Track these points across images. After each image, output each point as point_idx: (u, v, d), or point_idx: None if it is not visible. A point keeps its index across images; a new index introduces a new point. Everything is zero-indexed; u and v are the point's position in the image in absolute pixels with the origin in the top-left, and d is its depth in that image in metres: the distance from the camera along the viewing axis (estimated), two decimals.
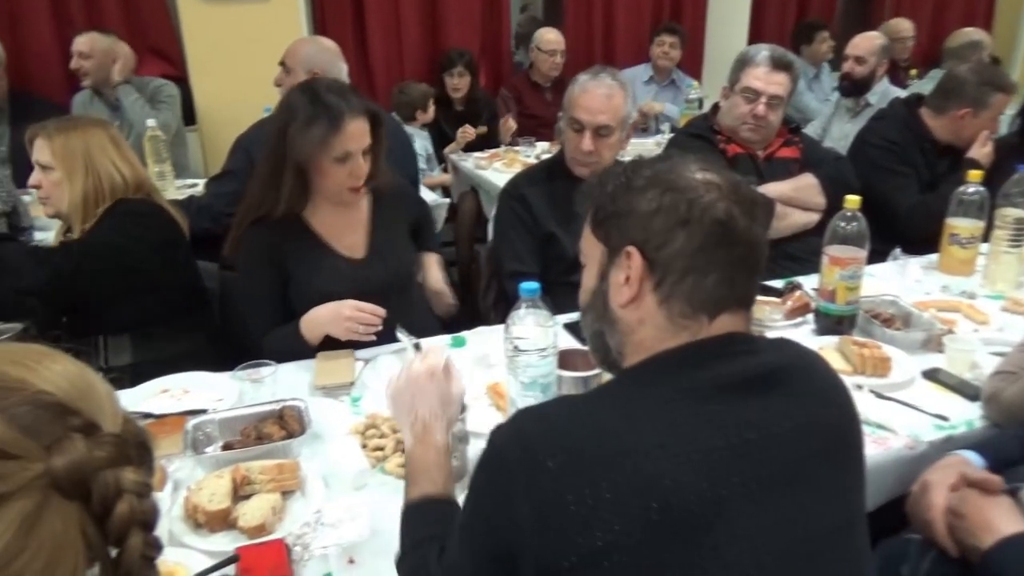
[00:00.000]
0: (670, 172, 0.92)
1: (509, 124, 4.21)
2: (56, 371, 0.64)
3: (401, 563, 1.04)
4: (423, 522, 1.06)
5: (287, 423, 1.43)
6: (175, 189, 3.07)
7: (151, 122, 3.06)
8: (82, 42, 3.34)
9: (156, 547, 0.65)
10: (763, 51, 2.39)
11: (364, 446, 1.40)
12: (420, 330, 1.85)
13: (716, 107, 2.57)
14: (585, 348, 1.46)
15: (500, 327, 1.89)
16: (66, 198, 1.89)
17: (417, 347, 1.73)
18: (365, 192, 1.89)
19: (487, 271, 2.45)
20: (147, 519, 0.64)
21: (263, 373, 1.58)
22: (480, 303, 2.51)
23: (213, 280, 2.29)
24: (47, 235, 2.42)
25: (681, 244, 0.88)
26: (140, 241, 1.93)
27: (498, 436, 0.86)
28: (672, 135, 3.04)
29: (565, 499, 0.77)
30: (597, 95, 2.07)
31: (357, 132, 1.76)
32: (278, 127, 1.76)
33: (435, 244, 2.30)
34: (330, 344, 1.75)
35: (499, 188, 3.47)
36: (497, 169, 3.76)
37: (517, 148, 4.06)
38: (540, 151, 3.99)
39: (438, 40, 4.55)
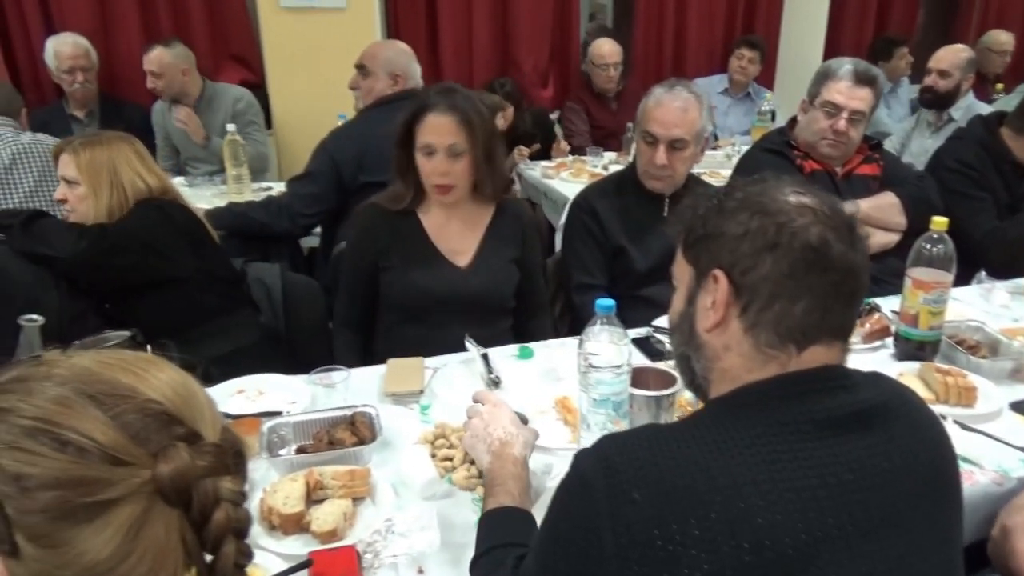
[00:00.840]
0: (762, 195, 0.90)
1: (562, 147, 4.19)
2: (163, 380, 0.66)
3: (475, 565, 1.05)
4: (499, 530, 1.07)
5: (358, 429, 1.45)
6: (251, 192, 3.16)
7: (231, 127, 3.15)
8: (151, 60, 3.43)
9: (248, 555, 0.67)
10: (846, 64, 2.33)
11: (433, 455, 1.41)
12: (490, 339, 1.87)
13: (793, 121, 2.51)
14: (658, 366, 1.46)
15: (568, 340, 1.91)
16: (92, 212, 1.95)
17: (485, 357, 1.76)
18: (485, 203, 1.97)
19: (554, 283, 2.44)
20: (241, 527, 0.65)
21: (336, 378, 1.60)
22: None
23: (275, 280, 2.35)
24: None
25: (768, 269, 0.86)
26: (165, 226, 1.99)
27: (582, 461, 0.85)
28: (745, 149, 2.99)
29: (652, 534, 0.76)
30: (672, 108, 2.04)
31: (439, 126, 1.80)
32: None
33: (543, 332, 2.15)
34: (401, 351, 1.78)
35: (566, 198, 3.51)
36: (564, 179, 3.75)
37: (585, 158, 4.05)
38: (608, 161, 3.97)
39: (508, 50, 4.58)
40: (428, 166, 1.83)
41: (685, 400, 1.47)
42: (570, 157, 4.11)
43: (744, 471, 0.78)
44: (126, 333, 0.73)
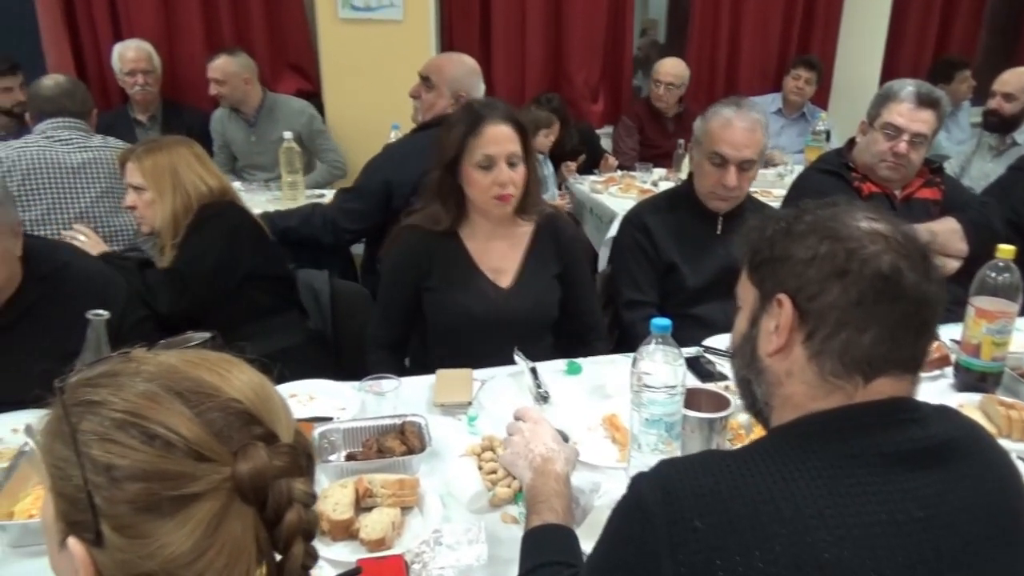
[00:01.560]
0: (832, 220, 0.88)
1: (610, 162, 4.17)
2: (243, 380, 0.68)
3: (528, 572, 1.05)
4: (547, 548, 1.06)
5: (408, 438, 1.45)
6: (304, 199, 3.21)
7: (287, 135, 3.22)
8: (216, 68, 3.56)
9: (314, 557, 0.68)
10: (908, 86, 2.29)
11: (480, 468, 1.41)
12: (537, 353, 1.86)
13: (851, 142, 2.47)
14: (711, 388, 1.44)
15: (617, 357, 1.90)
16: (158, 216, 2.02)
17: (534, 371, 1.76)
18: (525, 220, 1.95)
19: (602, 298, 2.43)
20: (310, 529, 0.67)
21: (385, 387, 1.62)
22: None
23: (324, 286, 2.38)
24: None
25: (836, 296, 0.84)
26: (228, 238, 2.05)
27: (640, 485, 0.84)
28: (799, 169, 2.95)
29: (713, 564, 0.75)
30: (741, 129, 2.03)
31: (499, 136, 1.79)
32: (436, 148, 1.86)
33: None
34: (450, 363, 1.78)
35: (613, 213, 3.50)
36: (612, 193, 3.75)
37: (634, 174, 4.03)
38: (657, 177, 3.95)
39: (560, 64, 4.59)
40: (487, 179, 1.80)
41: (736, 423, 1.45)
42: (619, 172, 4.09)
43: (810, 504, 0.76)
44: (207, 335, 0.75)
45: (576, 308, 2.04)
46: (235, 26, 4.00)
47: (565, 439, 1.29)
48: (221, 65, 3.54)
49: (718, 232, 2.18)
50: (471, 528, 1.21)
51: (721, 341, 1.98)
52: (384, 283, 2.00)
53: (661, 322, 1.25)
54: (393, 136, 3.34)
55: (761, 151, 2.07)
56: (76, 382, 0.67)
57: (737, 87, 4.85)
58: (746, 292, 0.96)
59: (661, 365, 1.25)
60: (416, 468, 1.40)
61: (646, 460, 1.25)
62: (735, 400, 1.34)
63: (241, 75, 3.59)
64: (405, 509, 1.30)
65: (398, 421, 1.51)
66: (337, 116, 4.07)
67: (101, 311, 1.51)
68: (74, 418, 0.63)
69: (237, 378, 0.68)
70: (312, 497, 0.67)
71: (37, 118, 2.54)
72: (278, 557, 0.66)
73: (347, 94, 4.07)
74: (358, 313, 2.33)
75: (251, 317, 2.06)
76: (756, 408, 0.97)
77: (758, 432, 1.47)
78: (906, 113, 2.24)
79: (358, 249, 2.97)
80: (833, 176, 2.39)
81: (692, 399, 1.33)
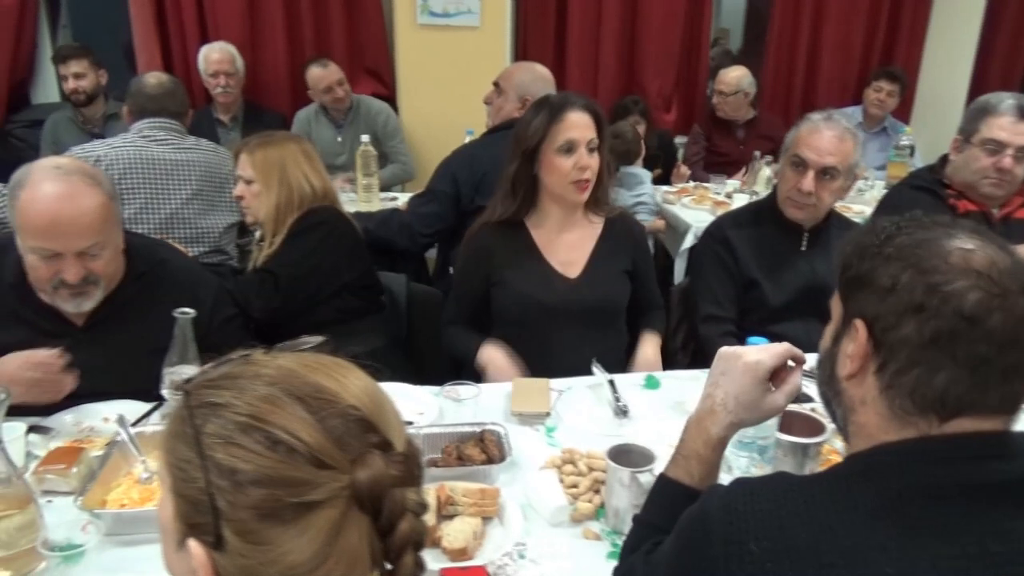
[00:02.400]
0: (921, 246, 0.81)
1: (682, 172, 4.11)
2: (359, 386, 0.67)
3: (635, 519, 1.08)
4: (659, 505, 1.06)
5: (488, 447, 1.44)
6: (379, 202, 3.25)
7: (364, 138, 3.26)
8: (325, 77, 3.72)
9: (423, 568, 0.67)
10: (1008, 99, 2.18)
11: (561, 481, 1.39)
12: (615, 365, 1.84)
13: (944, 159, 2.37)
14: (806, 412, 1.39)
15: (698, 373, 1.85)
16: (263, 208, 2.09)
17: (612, 384, 1.73)
18: (596, 215, 1.99)
19: (678, 311, 2.38)
20: (420, 539, 0.65)
21: (464, 393, 1.61)
22: (668, 343, 2.44)
23: (401, 289, 2.40)
24: None
25: (909, 332, 0.79)
26: (325, 242, 2.09)
27: (710, 499, 0.85)
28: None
29: None
30: (828, 135, 1.98)
31: (580, 122, 1.85)
32: (511, 141, 1.90)
33: (658, 320, 2.13)
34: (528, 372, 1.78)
35: (686, 224, 3.44)
36: (685, 204, 3.68)
37: (707, 184, 3.96)
38: (731, 188, 3.87)
39: (634, 74, 4.55)
40: (568, 163, 1.84)
41: (831, 448, 1.39)
42: (691, 183, 4.03)
43: (872, 535, 0.74)
44: (320, 338, 0.74)
45: (640, 296, 2.09)
46: (316, 31, 4.08)
47: (651, 460, 1.25)
48: (333, 70, 3.72)
49: (802, 248, 2.11)
50: (556, 543, 1.19)
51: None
52: (456, 280, 2.06)
53: (758, 341, 1.21)
54: (467, 141, 3.35)
55: (848, 164, 1.99)
56: (198, 383, 0.67)
57: (815, 98, 4.72)
58: (835, 305, 0.92)
59: None
60: (496, 477, 1.39)
61: None
62: (830, 425, 1.30)
63: (337, 78, 3.76)
64: (486, 519, 1.28)
65: (477, 429, 1.50)
66: (411, 120, 4.11)
67: (188, 310, 1.54)
68: (198, 420, 0.63)
69: (353, 384, 0.67)
70: (423, 507, 0.66)
71: (138, 115, 2.58)
72: (388, 566, 0.65)
73: (422, 99, 4.11)
74: (433, 316, 2.34)
75: (339, 319, 2.09)
76: (839, 427, 0.93)
77: None
78: (1008, 127, 2.14)
79: (431, 252, 2.98)
80: (926, 193, 2.29)
81: (786, 422, 1.29)
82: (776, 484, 0.85)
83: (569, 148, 1.84)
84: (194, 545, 0.62)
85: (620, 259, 2.01)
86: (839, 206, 3.07)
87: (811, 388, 1.76)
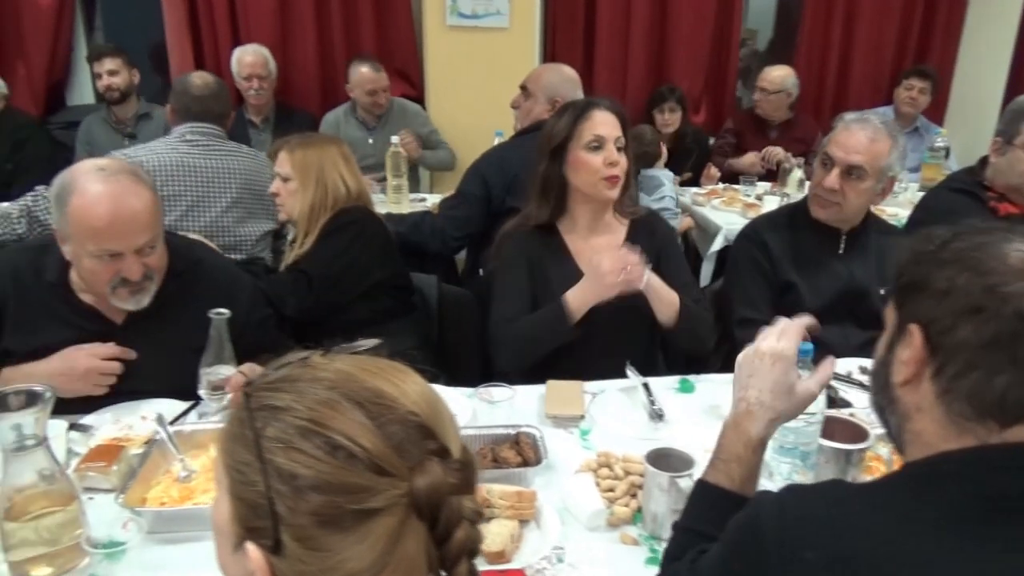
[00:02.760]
0: (979, 249, 0.80)
1: (712, 173, 4.07)
2: (417, 392, 0.66)
3: (674, 527, 1.06)
4: (701, 512, 1.04)
5: (523, 449, 1.44)
6: (408, 203, 3.26)
7: (394, 139, 3.27)
8: (375, 80, 3.73)
9: (476, 575, 0.66)
10: None
11: (597, 485, 1.38)
12: (647, 368, 1.83)
13: (983, 161, 2.32)
14: (848, 417, 1.37)
15: (730, 376, 1.82)
16: (298, 206, 2.11)
17: (646, 387, 1.72)
18: (622, 218, 1.97)
19: (711, 312, 2.36)
20: (475, 548, 0.65)
21: (497, 395, 1.61)
22: None
23: (432, 291, 2.40)
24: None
25: (967, 334, 0.77)
26: (356, 242, 2.10)
27: (761, 505, 0.83)
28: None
29: None
30: (858, 134, 1.95)
31: (607, 119, 1.86)
32: (539, 145, 1.90)
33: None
34: (546, 366, 1.78)
35: (716, 226, 3.41)
36: (715, 206, 3.66)
37: (737, 186, 3.93)
38: (761, 191, 3.84)
39: (662, 74, 4.53)
40: (597, 159, 1.84)
41: (873, 455, 1.36)
42: (721, 185, 4.00)
43: (933, 547, 0.72)
44: (375, 341, 0.74)
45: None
46: (345, 32, 4.10)
47: (689, 464, 1.24)
48: (383, 76, 3.75)
49: (840, 251, 2.08)
50: (594, 548, 1.18)
51: (841, 365, 1.89)
52: (502, 282, 1.96)
53: (803, 346, 1.19)
54: (496, 143, 3.35)
55: (879, 166, 1.94)
56: (257, 386, 0.66)
57: (846, 99, 4.68)
58: (888, 313, 0.90)
59: None
60: (531, 480, 1.38)
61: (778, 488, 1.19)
62: (873, 432, 1.28)
63: (386, 85, 3.80)
64: (522, 522, 1.28)
65: (512, 431, 1.49)
66: (440, 122, 4.10)
67: (223, 311, 1.56)
68: (258, 423, 0.62)
69: (411, 389, 0.66)
70: (479, 515, 0.65)
71: (182, 115, 2.55)
72: (442, 574, 0.65)
73: (451, 100, 4.12)
74: (463, 317, 2.34)
75: (373, 320, 2.10)
76: (892, 436, 0.91)
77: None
78: None
79: (460, 253, 2.99)
80: (966, 195, 2.25)
81: (829, 428, 1.27)
82: (831, 491, 0.84)
83: (597, 144, 1.84)
84: (252, 549, 0.62)
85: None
86: (873, 209, 3.03)
87: (850, 393, 1.76)
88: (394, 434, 0.62)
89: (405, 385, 0.66)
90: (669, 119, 4.17)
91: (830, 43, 4.65)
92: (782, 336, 1.11)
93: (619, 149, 1.86)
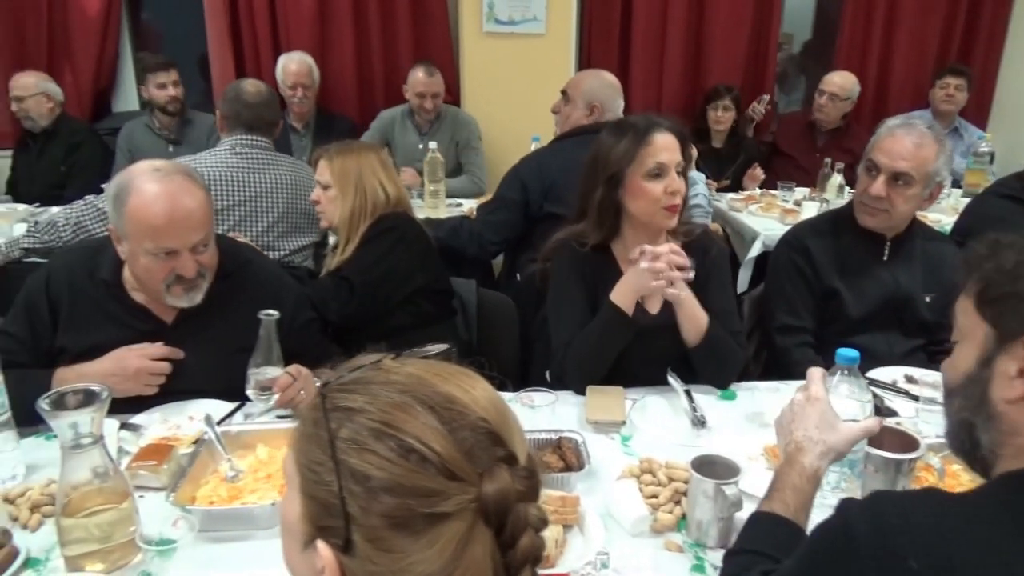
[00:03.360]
0: None
1: (756, 174, 4.03)
2: (487, 398, 0.66)
3: (728, 556, 1.06)
4: (759, 536, 1.04)
5: (565, 454, 1.44)
6: (445, 208, 3.28)
7: (432, 145, 3.30)
8: (432, 84, 3.77)
9: None
10: None
11: (640, 491, 1.37)
12: (689, 376, 1.81)
13: None
14: (895, 426, 1.35)
15: (778, 384, 1.81)
16: (338, 213, 2.13)
17: (688, 393, 1.71)
18: (676, 240, 1.84)
19: (750, 320, 2.34)
20: (539, 555, 0.65)
21: (540, 400, 1.61)
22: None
23: (471, 296, 2.41)
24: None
25: None
26: (397, 248, 2.11)
27: (851, 513, 0.81)
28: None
29: None
30: (904, 140, 1.92)
31: (668, 144, 1.75)
32: (589, 163, 1.82)
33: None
34: (600, 380, 1.76)
35: (754, 232, 3.38)
36: (752, 212, 3.62)
37: (775, 192, 3.88)
38: (800, 196, 3.79)
39: (699, 80, 4.51)
40: (658, 188, 1.74)
41: (924, 463, 1.34)
42: (758, 191, 3.96)
43: None
44: (444, 346, 0.75)
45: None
46: (383, 39, 4.14)
47: (736, 472, 1.23)
48: (436, 81, 3.76)
49: (884, 258, 2.05)
50: (639, 554, 1.18)
51: (885, 374, 1.87)
52: (558, 305, 1.88)
53: (849, 353, 1.19)
54: (533, 148, 3.36)
55: (926, 172, 1.91)
56: (330, 387, 0.67)
57: (886, 103, 4.61)
58: (972, 325, 0.88)
59: (846, 400, 1.19)
60: (574, 485, 1.38)
61: (825, 499, 1.18)
62: (924, 441, 1.26)
63: (436, 91, 3.82)
64: (566, 527, 1.28)
65: (554, 436, 1.49)
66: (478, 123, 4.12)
67: (272, 311, 1.58)
68: (333, 424, 0.63)
69: (481, 395, 0.66)
70: (544, 522, 0.65)
71: (233, 121, 2.56)
72: None
73: (487, 106, 4.13)
74: (501, 322, 2.35)
75: (415, 324, 2.12)
76: (976, 454, 0.89)
77: (952, 478, 1.36)
78: None
79: (497, 257, 3.00)
80: (1014, 201, 2.21)
81: (875, 437, 1.25)
82: (930, 499, 0.82)
83: (659, 172, 1.74)
84: (323, 547, 0.62)
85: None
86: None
87: (895, 402, 1.73)
88: (465, 439, 0.63)
89: (475, 391, 0.66)
90: (722, 117, 4.18)
91: (870, 46, 4.59)
92: (807, 387, 1.17)
93: (679, 174, 1.76)
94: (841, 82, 4.16)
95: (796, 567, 0.86)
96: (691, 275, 1.70)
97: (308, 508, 0.64)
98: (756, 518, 1.07)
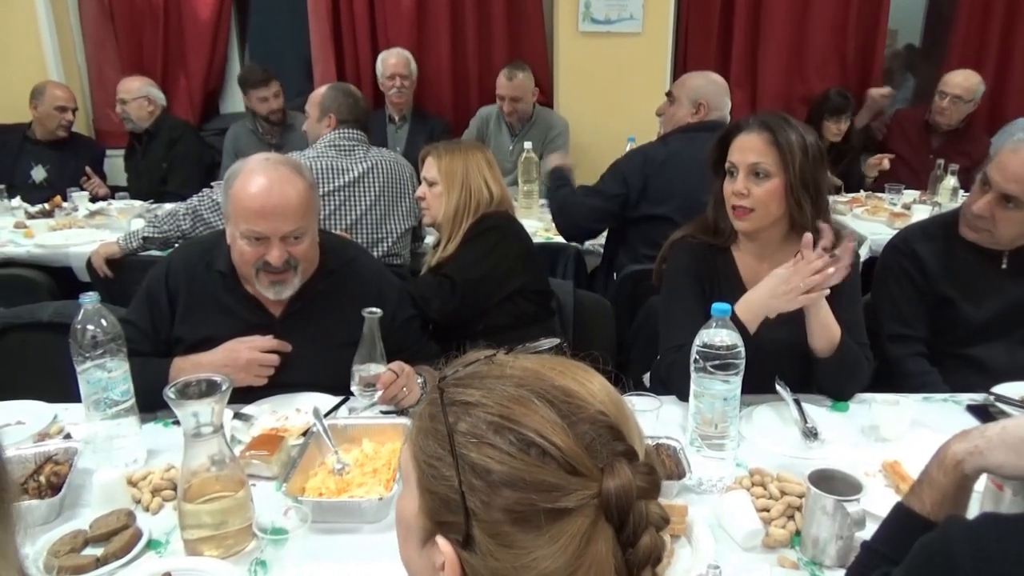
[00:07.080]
0: None
1: (882, 163, 3.85)
2: (604, 392, 0.65)
3: (864, 544, 1.03)
4: (887, 531, 1.00)
5: (663, 462, 1.40)
6: (537, 207, 3.28)
7: (527, 144, 3.31)
8: (515, 87, 3.77)
9: None
10: None
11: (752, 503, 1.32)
12: (798, 386, 1.73)
13: None
14: None
15: (896, 397, 1.70)
16: (442, 210, 2.15)
17: (798, 403, 1.64)
18: (795, 241, 1.69)
19: (872, 364, 2.20)
20: (660, 554, 0.62)
21: (643, 405, 1.57)
22: None
23: (568, 296, 2.38)
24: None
25: None
26: (499, 247, 2.12)
27: (953, 533, 0.78)
28: None
29: None
30: (1022, 157, 1.77)
31: (745, 144, 1.68)
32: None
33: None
34: None
35: (859, 236, 3.23)
36: (857, 215, 3.48)
37: (882, 195, 3.71)
38: (908, 199, 3.61)
39: (799, 79, 4.36)
40: (729, 187, 1.70)
41: None
42: (863, 193, 3.79)
43: None
44: (556, 340, 0.74)
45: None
46: (479, 39, 4.18)
47: (858, 489, 1.16)
48: (516, 85, 3.76)
49: (1003, 266, 1.92)
50: (755, 570, 1.13)
51: (1012, 389, 1.74)
52: (669, 303, 1.82)
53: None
54: (628, 148, 3.32)
55: None
56: (447, 381, 0.66)
57: (1005, 106, 4.33)
58: None
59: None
60: (672, 493, 1.34)
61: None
62: None
63: (533, 90, 3.83)
64: (673, 538, 1.24)
65: (651, 442, 1.46)
66: (571, 127, 4.10)
67: (375, 309, 1.61)
68: (451, 418, 0.63)
69: (598, 389, 0.65)
70: (665, 521, 0.63)
71: (335, 120, 2.74)
72: None
73: (581, 105, 4.11)
74: (596, 323, 2.33)
75: (515, 324, 2.12)
76: None
77: None
78: None
79: (592, 258, 2.97)
80: None
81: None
82: None
83: (731, 171, 1.70)
84: (443, 543, 0.62)
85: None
86: None
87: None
88: (585, 433, 0.61)
89: (592, 385, 0.65)
90: (843, 128, 3.95)
91: (987, 43, 4.33)
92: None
93: (756, 176, 1.66)
94: (964, 83, 3.89)
95: None
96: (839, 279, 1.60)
97: (427, 503, 0.64)
98: (894, 511, 1.01)
